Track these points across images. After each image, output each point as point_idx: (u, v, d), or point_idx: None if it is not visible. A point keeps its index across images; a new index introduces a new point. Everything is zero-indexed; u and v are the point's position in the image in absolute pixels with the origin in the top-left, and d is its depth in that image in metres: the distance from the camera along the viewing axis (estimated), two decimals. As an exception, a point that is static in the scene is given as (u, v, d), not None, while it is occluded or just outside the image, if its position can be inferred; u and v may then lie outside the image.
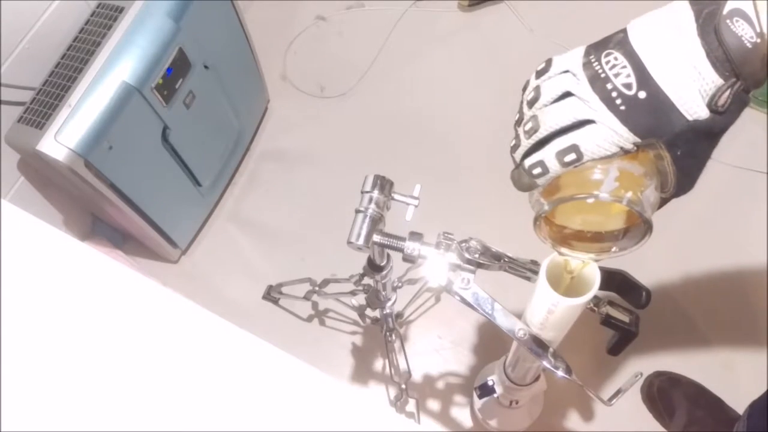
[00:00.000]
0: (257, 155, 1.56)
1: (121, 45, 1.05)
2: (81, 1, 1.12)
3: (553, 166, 0.45)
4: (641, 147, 0.43)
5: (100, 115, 1.01)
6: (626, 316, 0.68)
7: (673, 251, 1.31)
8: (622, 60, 0.42)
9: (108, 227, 1.41)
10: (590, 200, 0.45)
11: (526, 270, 0.68)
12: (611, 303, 0.68)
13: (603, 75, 0.43)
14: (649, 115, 0.41)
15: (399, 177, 0.80)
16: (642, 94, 0.41)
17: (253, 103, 1.55)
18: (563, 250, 0.53)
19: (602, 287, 0.58)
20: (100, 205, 1.20)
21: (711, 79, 0.39)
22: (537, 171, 0.46)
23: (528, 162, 0.47)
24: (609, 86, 0.42)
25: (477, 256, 0.67)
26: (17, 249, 0.57)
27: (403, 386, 1.11)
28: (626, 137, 0.42)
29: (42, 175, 1.21)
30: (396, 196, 0.78)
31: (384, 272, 0.90)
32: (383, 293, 1.01)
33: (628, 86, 0.41)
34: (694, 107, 0.40)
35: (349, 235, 0.74)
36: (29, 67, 1.08)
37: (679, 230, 1.33)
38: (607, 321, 0.68)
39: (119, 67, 1.04)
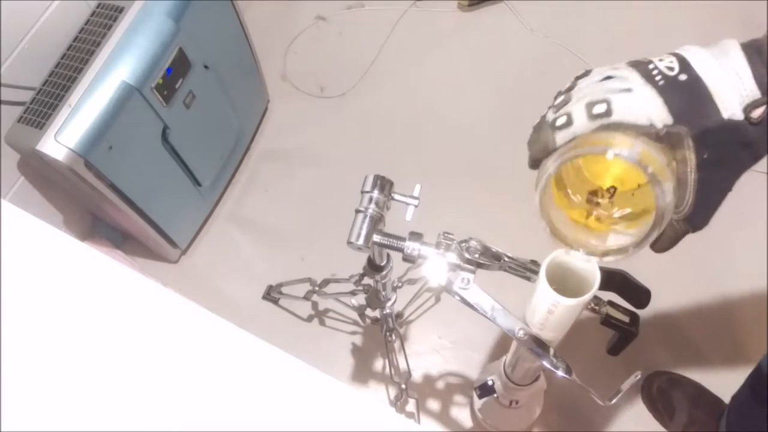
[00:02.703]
0: (257, 155, 1.56)
1: (121, 45, 1.05)
2: (81, 1, 1.12)
3: (580, 117, 0.44)
4: (668, 141, 0.42)
5: (100, 115, 1.01)
6: (626, 316, 0.68)
7: (673, 251, 1.31)
8: (668, 57, 0.43)
9: (108, 227, 1.41)
10: (610, 156, 0.42)
11: (526, 270, 0.68)
12: (611, 303, 0.68)
13: (646, 61, 0.44)
14: (685, 97, 0.41)
15: (399, 177, 0.80)
16: (682, 77, 0.41)
17: (253, 103, 1.55)
18: (563, 231, 0.51)
19: (602, 287, 0.58)
20: (100, 205, 1.20)
21: (750, 88, 0.39)
22: (561, 121, 0.45)
23: (554, 115, 0.46)
24: (651, 67, 0.43)
25: (477, 256, 0.67)
26: (17, 249, 0.57)
27: (403, 386, 1.11)
28: (659, 112, 0.41)
29: (42, 175, 1.21)
30: (396, 196, 0.78)
31: (384, 272, 0.90)
32: (383, 293, 1.01)
33: (670, 68, 0.42)
34: (730, 103, 0.40)
35: (349, 235, 0.74)
36: (29, 67, 1.08)
37: (679, 230, 1.32)
38: (607, 321, 0.68)
39: (119, 67, 1.04)
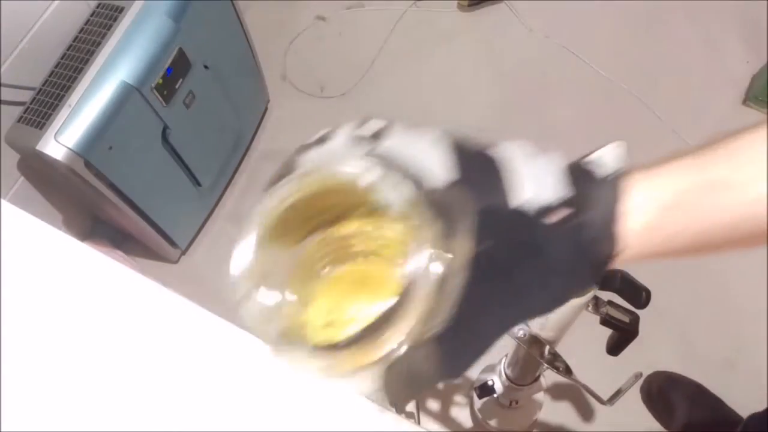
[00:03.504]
0: (257, 155, 1.56)
1: (121, 45, 1.05)
2: (81, 1, 1.12)
3: (342, 135, 0.35)
4: (445, 207, 0.30)
5: (100, 115, 1.01)
6: (626, 316, 0.68)
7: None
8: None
9: (108, 227, 1.41)
10: (367, 180, 0.29)
11: (526, 270, 0.68)
12: (611, 303, 0.68)
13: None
14: (480, 166, 0.32)
15: (399, 177, 0.80)
16: (485, 148, 0.33)
17: (253, 103, 1.55)
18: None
19: (602, 287, 0.57)
20: (100, 205, 1.20)
21: (554, 186, 0.30)
22: (318, 136, 0.35)
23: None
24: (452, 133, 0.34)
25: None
26: (17, 249, 0.57)
27: (403, 386, 1.11)
28: (435, 167, 0.31)
29: (42, 175, 1.21)
30: (396, 196, 0.77)
31: (384, 272, 0.90)
32: (383, 293, 1.00)
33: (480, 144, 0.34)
34: (521, 194, 0.30)
35: (349, 235, 0.74)
36: (29, 67, 1.08)
37: (679, 230, 1.32)
38: (607, 321, 0.68)
39: (119, 67, 1.04)
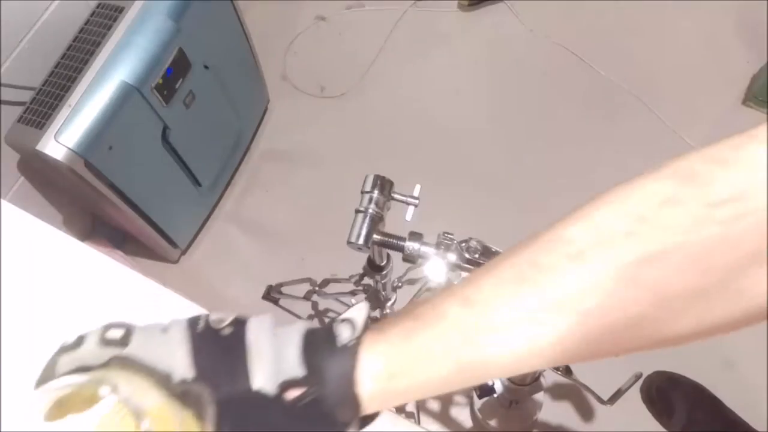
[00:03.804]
0: (257, 155, 1.56)
1: (121, 45, 1.05)
2: (81, 1, 1.12)
3: (91, 339, 0.36)
4: (189, 401, 0.33)
5: (100, 115, 1.01)
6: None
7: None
8: (230, 315, 0.36)
9: (108, 227, 1.41)
10: (104, 392, 0.32)
11: (526, 270, 0.68)
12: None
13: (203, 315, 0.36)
14: (218, 352, 0.34)
15: (399, 177, 0.80)
16: (227, 330, 0.34)
17: (253, 103, 1.55)
18: None
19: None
20: (100, 205, 1.20)
21: (293, 365, 0.33)
22: (71, 341, 0.37)
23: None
24: (203, 314, 0.36)
25: (477, 256, 0.67)
26: (17, 249, 0.57)
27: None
28: (181, 361, 0.33)
29: (42, 175, 1.21)
30: (396, 196, 0.78)
31: (384, 272, 0.90)
32: (383, 293, 1.01)
33: (221, 320, 0.35)
34: (261, 375, 0.33)
35: (349, 235, 0.74)
36: (29, 67, 1.08)
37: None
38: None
39: (119, 67, 1.04)
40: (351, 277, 1.08)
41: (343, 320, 0.34)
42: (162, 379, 0.33)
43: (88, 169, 1.03)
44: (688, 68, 1.58)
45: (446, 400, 1.23)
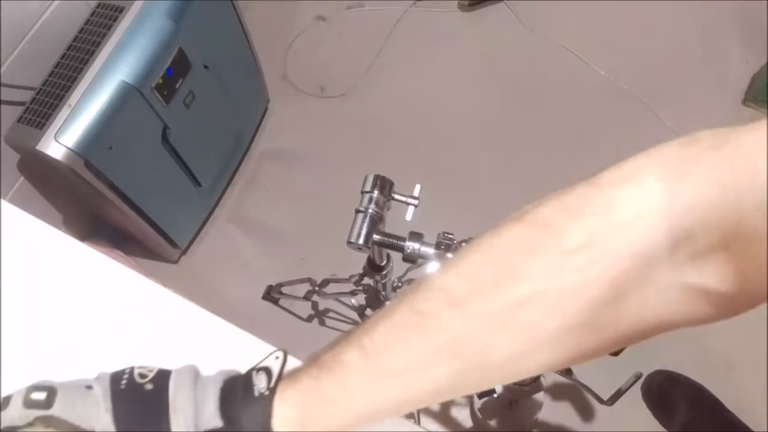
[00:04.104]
0: (257, 155, 1.56)
1: (121, 45, 1.05)
2: (81, 1, 1.12)
3: (16, 401, 0.37)
4: None
5: (100, 115, 1.01)
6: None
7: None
8: (154, 368, 0.38)
9: (108, 227, 1.41)
10: None
11: (526, 270, 0.68)
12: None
13: (128, 370, 0.38)
14: (139, 408, 0.36)
15: (399, 177, 0.80)
16: (149, 386, 0.37)
17: (253, 103, 1.55)
18: None
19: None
20: (100, 205, 1.20)
21: (211, 414, 0.36)
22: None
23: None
24: (127, 369, 0.38)
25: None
26: (17, 249, 0.57)
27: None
28: (102, 418, 0.36)
29: (42, 175, 1.21)
30: (396, 196, 0.78)
31: (384, 272, 0.90)
32: (383, 293, 1.01)
33: (144, 375, 0.37)
34: (185, 424, 0.35)
35: (349, 235, 0.74)
36: (29, 67, 1.08)
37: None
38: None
39: (119, 66, 1.04)
40: (351, 277, 1.08)
41: (260, 369, 0.36)
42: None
43: (88, 169, 1.03)
44: (688, 68, 1.58)
45: (446, 400, 1.23)
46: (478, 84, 1.62)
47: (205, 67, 1.22)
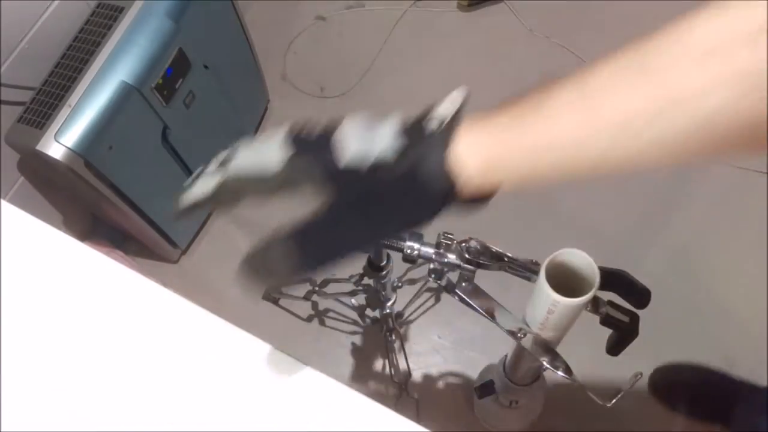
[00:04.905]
0: (257, 155, 1.56)
1: (121, 45, 1.05)
2: (81, 1, 1.12)
3: (211, 166, 0.44)
4: (291, 173, 0.39)
5: (100, 115, 1.01)
6: (626, 316, 0.68)
7: (673, 251, 1.31)
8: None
9: (108, 227, 1.41)
10: None
11: (526, 270, 0.68)
12: (611, 303, 0.68)
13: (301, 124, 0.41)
14: (317, 145, 0.38)
15: (399, 177, 0.80)
16: (319, 131, 0.39)
17: (253, 103, 1.55)
18: None
19: (602, 287, 0.58)
20: (100, 205, 1.20)
21: (385, 147, 0.37)
22: (198, 171, 0.45)
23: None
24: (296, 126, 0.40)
25: (477, 256, 0.67)
26: (17, 249, 0.57)
27: (403, 386, 1.11)
28: (276, 154, 0.39)
29: (42, 175, 1.21)
30: (396, 196, 0.77)
31: (384, 272, 0.90)
32: (383, 293, 1.01)
33: (315, 126, 0.40)
34: (353, 156, 0.37)
35: (349, 235, 0.74)
36: (29, 67, 1.08)
37: (679, 230, 1.32)
38: (607, 321, 0.68)
39: (119, 67, 1.04)
40: (351, 277, 1.08)
41: (439, 108, 0.39)
42: (262, 179, 0.40)
43: (88, 169, 1.03)
44: (688, 68, 1.58)
45: (446, 400, 1.23)
46: (478, 84, 1.62)
47: (205, 67, 1.22)
